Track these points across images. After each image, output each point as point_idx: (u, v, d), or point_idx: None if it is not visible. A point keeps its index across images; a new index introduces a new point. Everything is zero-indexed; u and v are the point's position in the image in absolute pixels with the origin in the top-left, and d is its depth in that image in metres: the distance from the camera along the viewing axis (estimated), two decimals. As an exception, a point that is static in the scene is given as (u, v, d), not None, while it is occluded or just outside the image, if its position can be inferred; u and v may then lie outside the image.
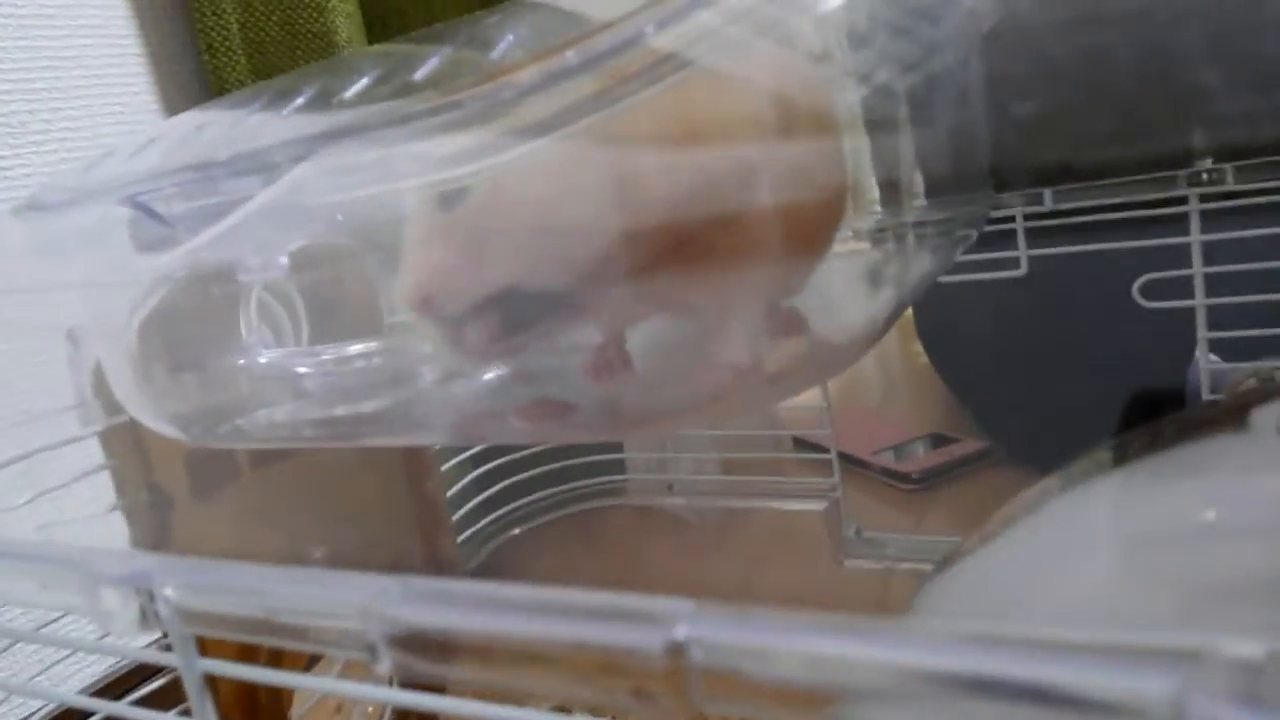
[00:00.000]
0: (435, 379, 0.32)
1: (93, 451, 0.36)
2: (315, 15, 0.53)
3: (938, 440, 0.74)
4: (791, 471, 0.66)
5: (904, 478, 0.69)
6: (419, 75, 0.25)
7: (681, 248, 0.23)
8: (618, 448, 0.63)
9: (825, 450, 0.59)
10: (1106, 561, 0.22)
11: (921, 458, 0.72)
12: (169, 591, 0.19)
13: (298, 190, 0.23)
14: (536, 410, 0.27)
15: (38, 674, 0.34)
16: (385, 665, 0.17)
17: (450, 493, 0.53)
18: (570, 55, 0.20)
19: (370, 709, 0.44)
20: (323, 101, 0.27)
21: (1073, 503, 0.25)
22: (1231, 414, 0.27)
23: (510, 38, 0.26)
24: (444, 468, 0.53)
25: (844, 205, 0.27)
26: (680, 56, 0.22)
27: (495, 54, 0.25)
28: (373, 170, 0.22)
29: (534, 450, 0.59)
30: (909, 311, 0.76)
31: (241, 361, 0.33)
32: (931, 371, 0.73)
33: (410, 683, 0.30)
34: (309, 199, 0.23)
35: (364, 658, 0.17)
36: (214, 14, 0.53)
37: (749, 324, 0.27)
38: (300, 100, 0.27)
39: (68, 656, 0.36)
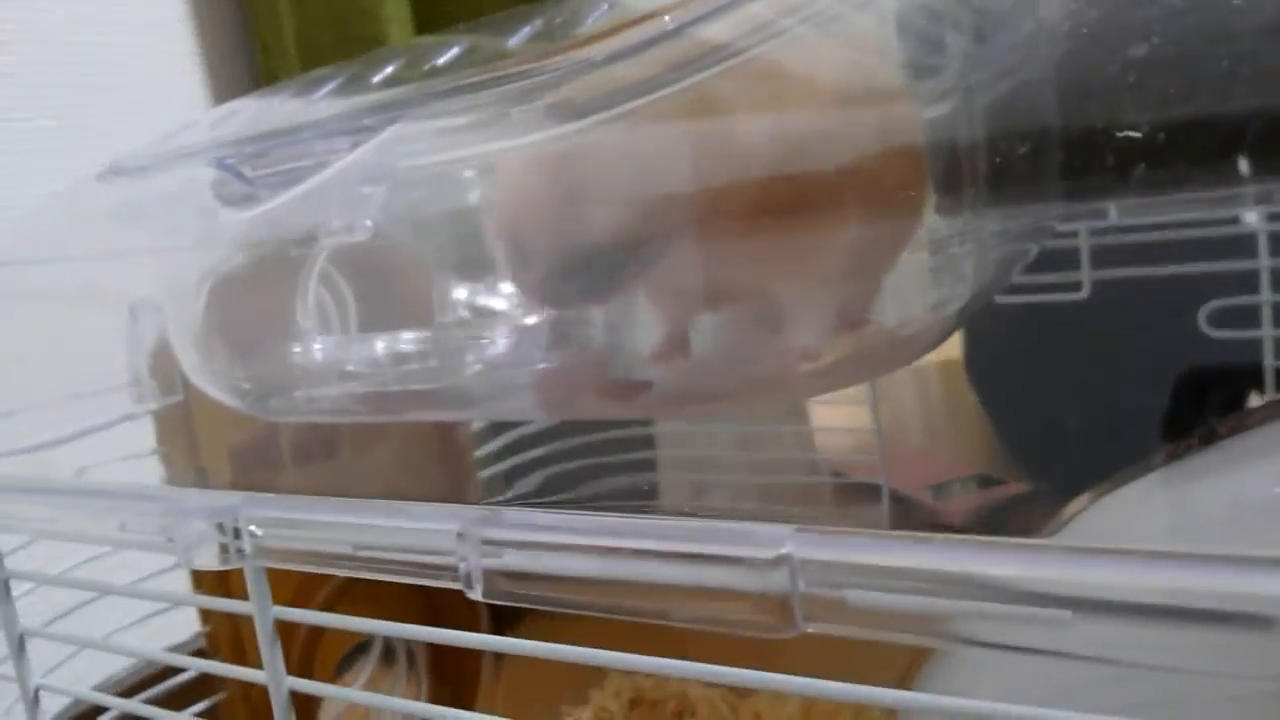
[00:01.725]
0: (489, 366, 0.32)
1: (143, 431, 0.36)
2: (369, 21, 0.54)
3: (984, 481, 0.73)
4: (830, 501, 0.65)
5: (949, 519, 0.68)
6: (441, 61, 0.26)
7: (760, 219, 0.24)
8: (650, 464, 0.63)
9: (870, 482, 0.58)
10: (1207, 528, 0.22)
11: (964, 500, 0.70)
12: (254, 528, 0.20)
13: (388, 151, 0.24)
14: (612, 388, 0.27)
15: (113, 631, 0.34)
16: (478, 593, 0.17)
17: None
18: (666, 20, 0.21)
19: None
20: (351, 87, 0.27)
21: (1156, 482, 0.25)
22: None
23: (527, 28, 0.26)
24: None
25: (922, 202, 0.28)
26: (745, 44, 0.22)
27: (513, 40, 0.26)
28: (468, 132, 0.23)
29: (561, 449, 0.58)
30: (958, 349, 0.76)
31: (297, 356, 0.33)
32: (978, 411, 0.73)
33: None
34: (398, 161, 0.24)
35: (457, 585, 0.17)
36: (269, 16, 0.54)
37: (822, 310, 0.27)
38: (330, 86, 0.28)
39: (147, 617, 0.35)
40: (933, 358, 0.96)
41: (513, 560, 0.16)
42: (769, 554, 0.14)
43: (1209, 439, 0.25)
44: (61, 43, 0.50)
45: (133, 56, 0.53)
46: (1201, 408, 0.49)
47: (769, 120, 0.23)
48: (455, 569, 0.17)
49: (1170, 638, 0.12)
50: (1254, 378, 0.43)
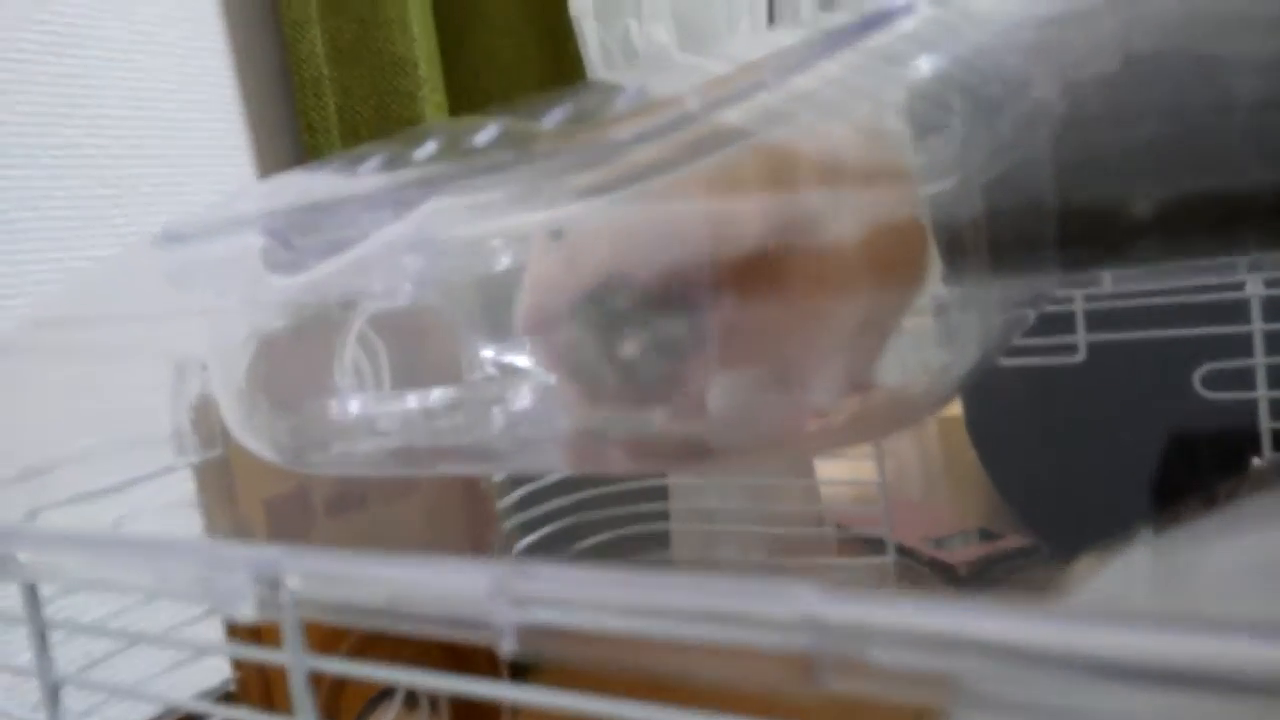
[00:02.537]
0: (513, 422, 0.33)
1: (183, 483, 0.38)
2: (407, 102, 0.57)
3: (985, 535, 0.73)
4: (835, 553, 0.65)
5: (951, 572, 0.68)
6: (479, 140, 0.28)
7: (769, 286, 0.25)
8: (664, 514, 0.63)
9: (873, 535, 0.58)
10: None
11: (969, 550, 0.71)
12: (293, 580, 0.20)
13: (427, 224, 0.25)
14: (634, 448, 0.28)
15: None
16: (509, 647, 0.18)
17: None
18: (691, 101, 0.22)
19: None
20: (392, 164, 0.29)
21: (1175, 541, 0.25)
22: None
23: (559, 111, 0.28)
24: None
25: (924, 272, 0.29)
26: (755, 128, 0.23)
27: (546, 121, 0.27)
28: (501, 207, 0.24)
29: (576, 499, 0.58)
30: (959, 409, 0.76)
31: (334, 409, 0.34)
32: (978, 466, 0.73)
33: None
34: (437, 232, 0.25)
35: (489, 640, 0.18)
36: (315, 96, 0.57)
37: (831, 372, 0.28)
38: (374, 162, 0.29)
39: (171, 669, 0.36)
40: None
41: (544, 616, 0.17)
42: (794, 613, 0.15)
43: (1212, 502, 0.26)
44: (118, 117, 0.53)
45: (184, 131, 0.56)
46: (1194, 468, 0.49)
47: (778, 197, 0.24)
48: (488, 624, 0.18)
49: (1204, 706, 0.12)
50: (1245, 438, 0.43)
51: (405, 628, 0.19)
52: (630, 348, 0.25)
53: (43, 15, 0.50)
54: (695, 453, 0.29)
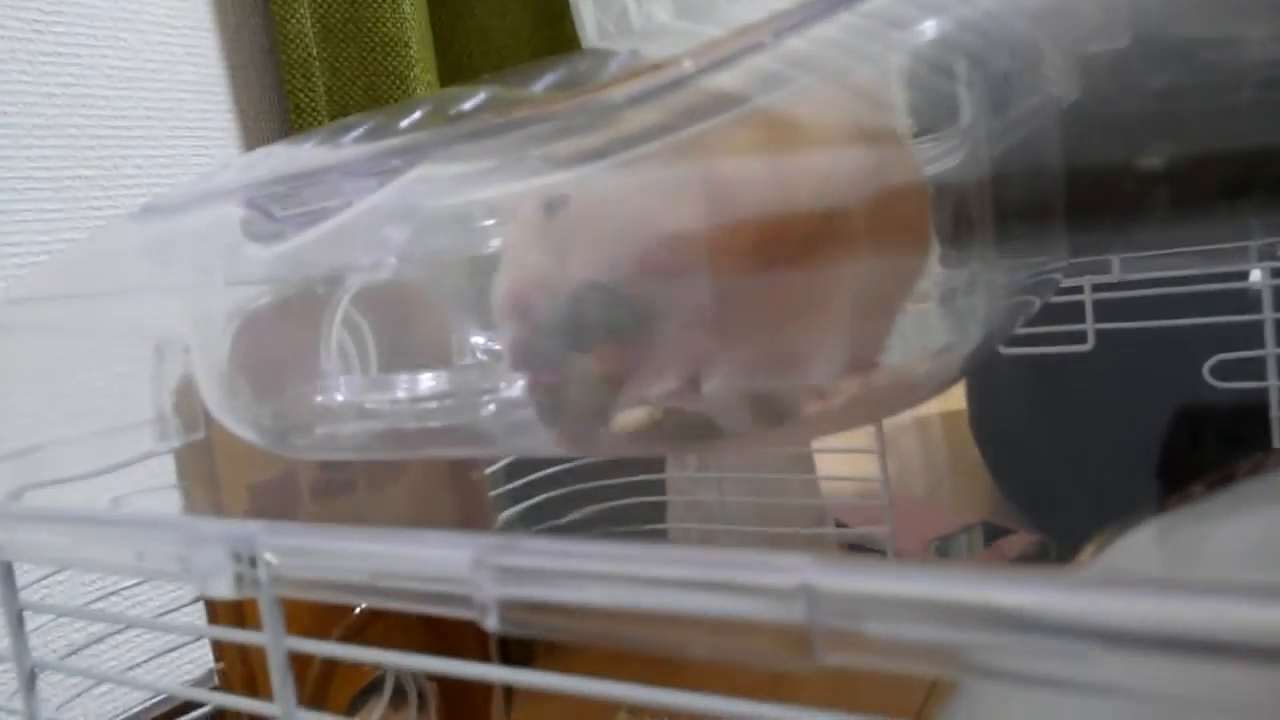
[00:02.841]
0: (502, 408, 0.33)
1: (165, 467, 0.37)
2: (398, 82, 0.56)
3: (989, 530, 0.72)
4: (834, 551, 0.64)
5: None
6: (467, 106, 0.27)
7: (766, 260, 0.24)
8: (660, 512, 0.62)
9: (875, 533, 0.57)
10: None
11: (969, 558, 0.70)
12: (270, 556, 0.20)
13: (413, 192, 0.24)
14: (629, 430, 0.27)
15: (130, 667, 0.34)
16: (493, 623, 0.17)
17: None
18: (686, 64, 0.22)
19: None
20: (378, 133, 0.28)
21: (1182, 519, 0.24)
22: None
23: (551, 76, 0.27)
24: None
25: (925, 243, 0.28)
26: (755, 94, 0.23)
27: (536, 87, 0.26)
28: (490, 175, 0.23)
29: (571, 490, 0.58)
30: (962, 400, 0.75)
31: (319, 392, 0.34)
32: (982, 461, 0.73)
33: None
34: (424, 201, 0.24)
35: (472, 615, 0.17)
36: (303, 76, 0.56)
37: (830, 351, 0.27)
38: (358, 132, 0.28)
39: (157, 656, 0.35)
40: (936, 408, 0.96)
41: (528, 590, 0.16)
42: (788, 583, 0.14)
43: (1225, 481, 0.25)
44: (101, 97, 0.52)
45: (169, 112, 0.55)
46: (1199, 448, 0.49)
47: (771, 163, 0.23)
48: (470, 599, 0.17)
49: (1204, 672, 0.12)
50: (1252, 418, 0.43)
51: (386, 602, 0.18)
52: (620, 331, 0.24)
53: (25, -9, 0.49)
54: (692, 435, 0.28)
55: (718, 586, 0.15)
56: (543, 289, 0.24)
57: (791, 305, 0.25)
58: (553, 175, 0.23)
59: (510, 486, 0.50)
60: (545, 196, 0.24)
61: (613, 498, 0.56)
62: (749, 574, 0.15)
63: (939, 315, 0.32)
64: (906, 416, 0.93)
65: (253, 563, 0.20)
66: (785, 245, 0.23)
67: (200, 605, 0.36)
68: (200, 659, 0.46)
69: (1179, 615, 0.12)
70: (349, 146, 0.27)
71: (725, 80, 0.22)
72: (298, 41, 0.55)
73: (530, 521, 0.54)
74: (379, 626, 0.41)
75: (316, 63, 0.56)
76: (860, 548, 0.64)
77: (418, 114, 0.27)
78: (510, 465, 0.52)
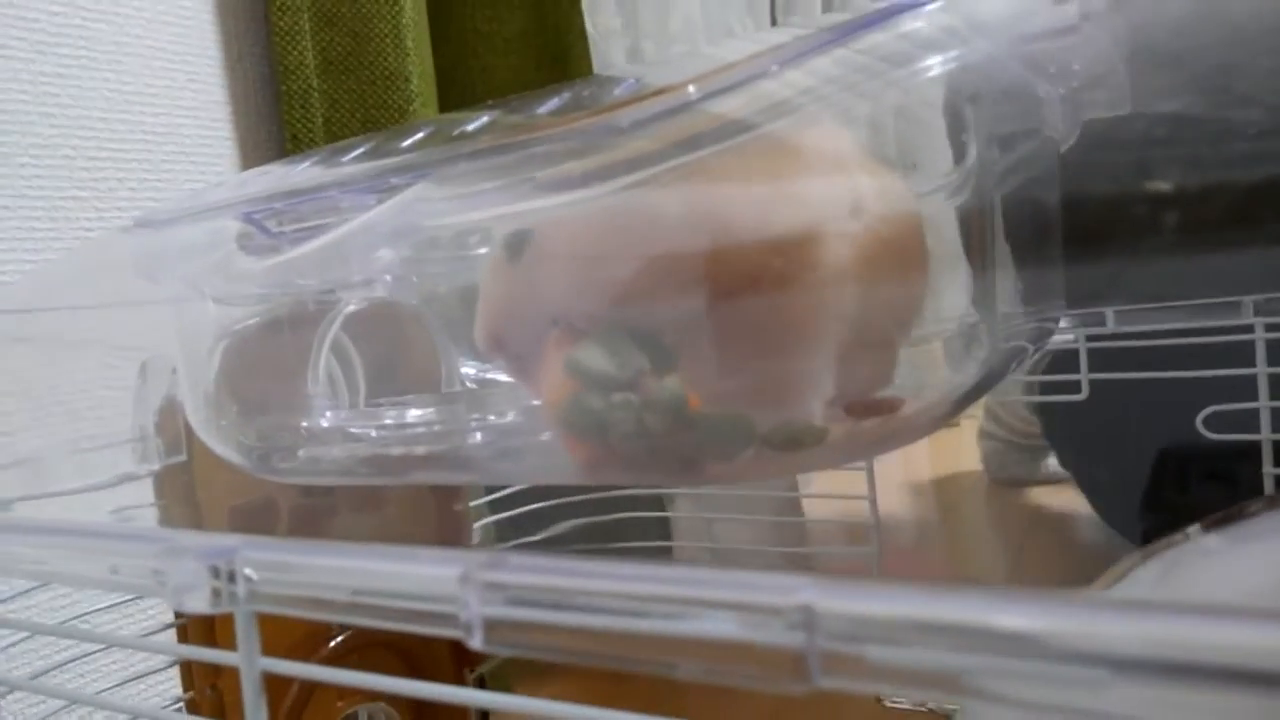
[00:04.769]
0: (491, 436, 0.32)
1: (145, 490, 0.36)
2: (397, 116, 0.56)
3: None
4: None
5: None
6: (470, 128, 0.27)
7: (756, 289, 0.24)
8: (666, 532, 0.61)
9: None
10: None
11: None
12: (249, 571, 0.19)
13: (411, 210, 0.24)
14: (601, 453, 0.26)
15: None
16: (478, 642, 0.16)
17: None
18: (690, 89, 0.22)
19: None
20: (378, 152, 0.28)
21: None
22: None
23: (555, 100, 0.27)
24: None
25: (925, 270, 0.28)
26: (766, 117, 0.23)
27: (541, 110, 0.27)
28: (490, 195, 0.23)
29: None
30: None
31: (304, 420, 0.33)
32: (973, 519, 0.72)
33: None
34: (422, 220, 0.24)
35: (458, 634, 0.16)
36: (302, 108, 0.56)
37: (825, 385, 0.27)
38: (358, 151, 0.28)
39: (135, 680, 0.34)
40: (929, 473, 0.96)
41: (517, 608, 0.16)
42: (785, 603, 0.14)
43: (1239, 515, 0.25)
44: (100, 119, 0.52)
45: (167, 137, 0.55)
46: (1184, 483, 0.49)
47: (754, 193, 0.23)
48: (456, 617, 0.16)
49: (1220, 702, 0.11)
50: (1239, 458, 0.43)
51: (368, 620, 0.18)
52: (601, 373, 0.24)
53: (30, 13, 0.49)
54: (680, 468, 0.27)
55: (712, 606, 0.14)
56: (513, 324, 0.25)
57: (780, 333, 0.25)
58: (554, 198, 0.23)
59: (495, 517, 0.49)
60: (509, 231, 0.24)
61: (606, 523, 0.55)
62: (745, 594, 0.14)
63: (936, 354, 0.32)
64: (896, 475, 0.93)
65: (231, 578, 0.19)
66: (765, 277, 0.23)
67: (171, 634, 0.35)
68: (166, 690, 0.44)
69: (1188, 640, 0.11)
70: (348, 165, 0.26)
71: (728, 105, 0.22)
72: (298, 73, 0.56)
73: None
74: (353, 661, 0.39)
75: (316, 94, 0.56)
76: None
77: (419, 135, 0.27)
78: (494, 501, 0.51)
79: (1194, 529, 0.25)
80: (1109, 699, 0.12)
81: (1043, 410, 0.71)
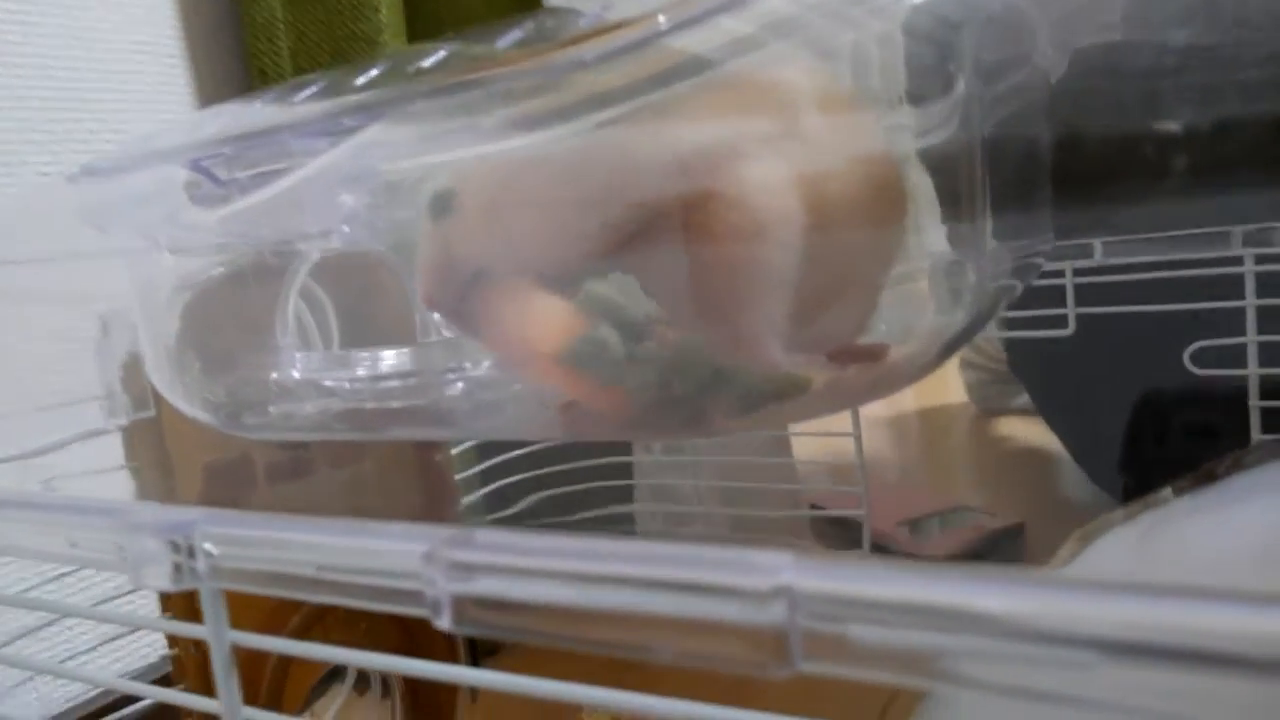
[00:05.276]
0: (468, 388, 0.31)
1: (115, 445, 0.35)
2: (366, 47, 0.54)
3: (965, 513, 0.72)
4: (807, 535, 0.64)
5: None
6: (427, 63, 0.25)
7: (728, 230, 0.22)
8: (628, 493, 0.61)
9: (850, 516, 0.57)
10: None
11: (942, 538, 0.69)
12: (209, 546, 0.18)
13: (366, 153, 0.23)
14: (571, 408, 0.26)
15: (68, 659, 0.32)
16: (446, 622, 0.16)
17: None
18: (658, 19, 0.20)
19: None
20: (333, 90, 0.26)
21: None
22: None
23: (516, 33, 0.25)
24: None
25: (903, 212, 0.27)
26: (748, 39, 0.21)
27: (500, 44, 0.25)
28: (449, 137, 0.22)
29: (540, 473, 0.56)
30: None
31: (275, 368, 0.32)
32: (956, 449, 0.72)
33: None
34: (378, 164, 0.23)
35: (423, 613, 0.16)
36: (267, 40, 0.54)
37: (806, 331, 0.26)
38: (312, 89, 0.27)
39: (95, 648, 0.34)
40: (912, 404, 0.96)
41: (485, 586, 0.15)
42: (765, 584, 0.13)
43: (1205, 479, 0.24)
44: (53, 60, 0.50)
45: (125, 76, 0.53)
46: (1163, 437, 0.48)
47: (700, 135, 0.22)
48: (422, 595, 0.16)
49: (1208, 685, 0.11)
50: (1221, 407, 0.42)
51: (333, 598, 0.17)
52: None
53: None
54: (679, 418, 0.27)
55: (689, 587, 0.13)
56: (442, 281, 0.24)
57: (755, 277, 0.24)
58: (515, 138, 0.22)
59: (475, 470, 0.49)
60: (433, 190, 0.23)
61: (580, 481, 0.55)
62: (724, 574, 0.13)
63: (924, 296, 0.31)
64: (881, 410, 0.92)
65: (191, 553, 0.18)
66: (734, 221, 0.22)
67: (142, 597, 0.34)
68: (157, 641, 0.44)
69: (1166, 622, 0.11)
70: (301, 105, 0.25)
71: (697, 39, 0.21)
72: (262, 4, 0.53)
73: (494, 505, 0.53)
74: (341, 610, 0.39)
75: (281, 25, 0.54)
76: (836, 523, 0.64)
77: (374, 72, 0.25)
78: (480, 445, 0.50)
79: (1167, 492, 0.25)
80: (1094, 681, 0.12)
81: (1010, 346, 0.70)
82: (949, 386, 0.94)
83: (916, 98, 0.28)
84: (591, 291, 0.23)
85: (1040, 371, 0.67)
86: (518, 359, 0.26)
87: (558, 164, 0.22)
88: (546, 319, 0.23)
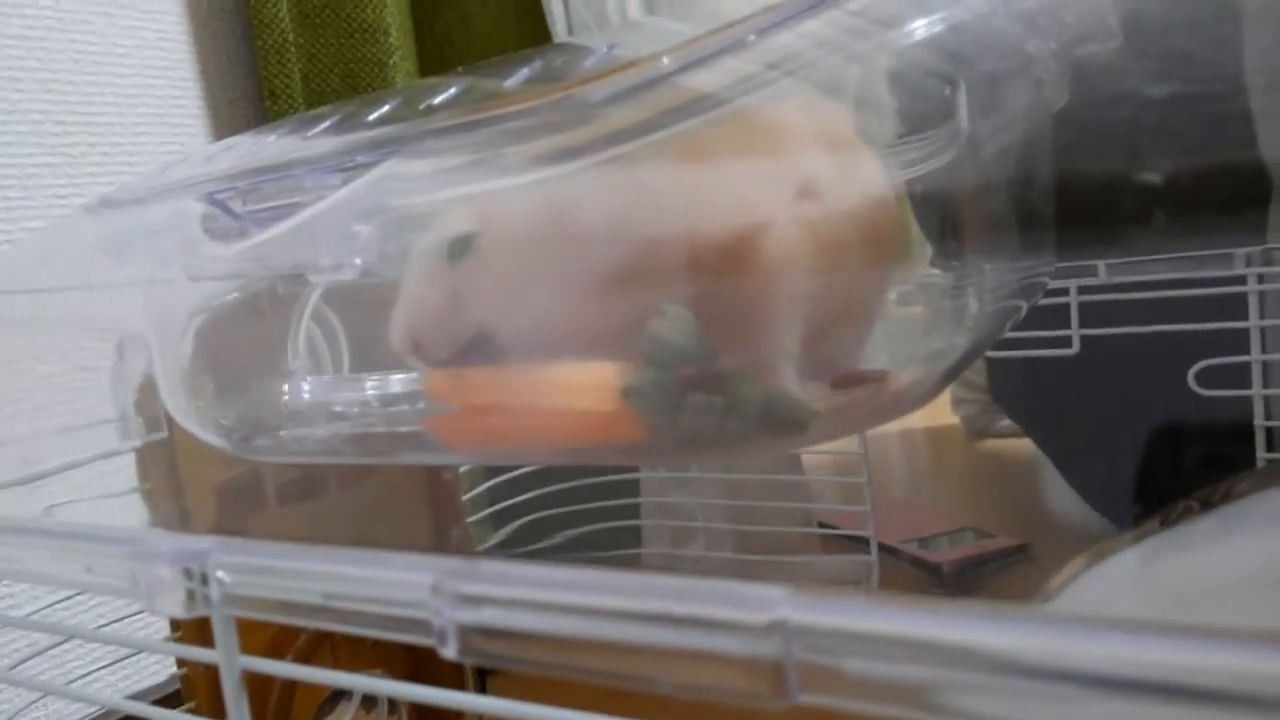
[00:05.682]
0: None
1: (128, 467, 0.36)
2: (376, 70, 0.55)
3: (973, 535, 0.72)
4: (815, 547, 0.64)
5: (935, 570, 0.67)
6: (438, 100, 0.26)
7: (732, 267, 0.23)
8: (634, 510, 0.62)
9: (857, 534, 0.57)
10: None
11: (953, 550, 0.69)
12: (221, 574, 0.19)
13: (379, 189, 0.23)
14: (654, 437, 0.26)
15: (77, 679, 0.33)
16: (452, 651, 0.16)
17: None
18: (665, 61, 0.21)
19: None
20: (345, 125, 0.27)
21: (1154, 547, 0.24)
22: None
23: (525, 70, 0.26)
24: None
25: (907, 244, 0.27)
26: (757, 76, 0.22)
27: (509, 82, 0.25)
28: (460, 172, 0.22)
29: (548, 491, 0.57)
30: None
31: (286, 393, 0.32)
32: (965, 469, 0.72)
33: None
34: (391, 199, 0.23)
35: (430, 642, 0.16)
36: (279, 63, 0.55)
37: (810, 362, 0.26)
38: (325, 124, 0.27)
39: (102, 668, 0.34)
40: (921, 422, 0.96)
41: (489, 616, 0.16)
42: (762, 618, 0.14)
43: (1206, 504, 0.24)
44: (68, 82, 0.51)
45: (138, 99, 0.54)
46: (1179, 467, 0.48)
47: (700, 177, 0.22)
48: (429, 624, 0.16)
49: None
50: (1235, 435, 0.42)
51: (341, 626, 0.17)
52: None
53: (-11, -26, 0.47)
54: (698, 442, 0.27)
55: (688, 621, 0.14)
56: (439, 332, 0.24)
57: (759, 312, 0.24)
58: (525, 175, 0.23)
59: (483, 487, 0.49)
60: (451, 233, 0.23)
61: (586, 500, 0.56)
62: (721, 608, 0.14)
63: (926, 321, 0.31)
64: (890, 428, 0.92)
65: (204, 580, 0.19)
66: (753, 249, 0.22)
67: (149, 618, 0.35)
68: (166, 660, 0.44)
69: (1162, 660, 0.11)
70: (315, 140, 0.25)
71: (705, 77, 0.21)
72: (274, 27, 0.54)
73: (501, 521, 0.53)
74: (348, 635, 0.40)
75: (293, 49, 0.54)
76: (841, 549, 0.64)
77: (386, 107, 0.26)
78: (485, 469, 0.51)
79: (1180, 509, 0.25)
80: (1086, 717, 0.12)
81: (991, 371, 0.70)
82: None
83: (917, 126, 0.29)
84: (656, 337, 0.23)
85: (1025, 395, 0.67)
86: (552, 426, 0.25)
87: (591, 208, 0.22)
88: (585, 381, 0.23)
